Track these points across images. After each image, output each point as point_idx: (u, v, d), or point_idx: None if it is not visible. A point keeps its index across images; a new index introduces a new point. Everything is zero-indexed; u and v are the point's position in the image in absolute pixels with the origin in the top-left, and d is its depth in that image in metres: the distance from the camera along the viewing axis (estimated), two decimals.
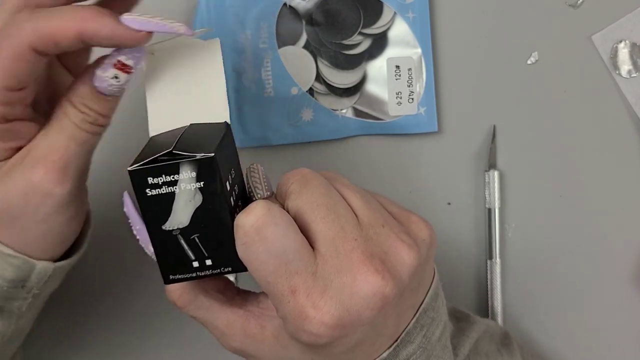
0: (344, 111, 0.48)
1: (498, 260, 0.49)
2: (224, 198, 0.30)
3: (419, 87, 0.48)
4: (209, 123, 0.33)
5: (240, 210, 0.31)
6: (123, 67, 0.32)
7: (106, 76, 0.32)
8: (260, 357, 0.34)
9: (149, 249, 0.32)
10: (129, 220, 0.33)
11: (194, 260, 0.31)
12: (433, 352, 0.34)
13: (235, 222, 0.30)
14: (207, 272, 0.32)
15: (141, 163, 0.30)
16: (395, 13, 0.48)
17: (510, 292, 0.50)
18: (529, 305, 0.50)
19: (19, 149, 0.33)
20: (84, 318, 0.50)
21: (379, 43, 0.48)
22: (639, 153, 0.50)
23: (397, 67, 0.48)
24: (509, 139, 0.50)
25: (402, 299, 0.32)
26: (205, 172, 0.29)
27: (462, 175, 0.50)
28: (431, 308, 0.34)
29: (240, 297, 0.36)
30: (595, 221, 0.50)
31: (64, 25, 0.30)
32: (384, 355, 0.32)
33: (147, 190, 0.30)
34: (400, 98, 0.48)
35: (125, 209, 0.33)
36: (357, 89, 0.48)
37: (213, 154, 0.29)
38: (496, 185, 0.49)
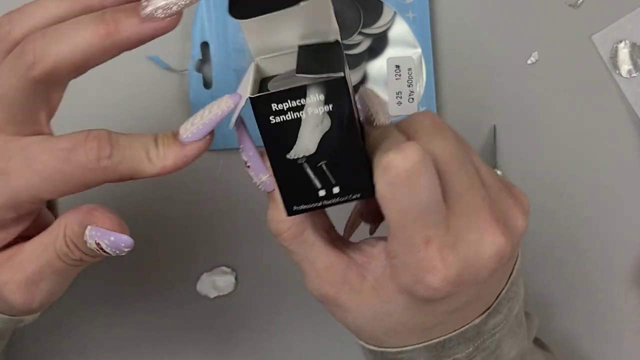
0: None
1: None
2: (355, 121, 0.28)
3: (419, 87, 0.48)
4: (319, 43, 0.30)
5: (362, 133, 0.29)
6: (99, 248, 0.31)
7: (90, 241, 0.31)
8: (350, 308, 0.33)
9: (260, 178, 0.30)
10: (241, 146, 0.31)
11: (320, 189, 0.29)
12: (512, 327, 0.35)
13: (385, 160, 0.28)
14: (334, 201, 0.30)
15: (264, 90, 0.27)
16: (395, 13, 0.48)
17: None
18: (529, 305, 0.50)
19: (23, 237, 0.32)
20: (86, 321, 0.50)
21: (379, 43, 0.48)
22: (639, 153, 0.50)
23: (397, 67, 0.48)
24: (509, 139, 0.50)
25: (507, 266, 0.32)
26: (335, 93, 0.27)
27: None
28: (516, 282, 0.34)
29: (342, 241, 0.34)
30: (595, 221, 0.50)
31: None
32: (476, 321, 0.32)
33: (271, 118, 0.28)
34: (401, 98, 0.48)
35: (236, 133, 0.30)
36: (357, 89, 0.48)
37: (343, 74, 0.27)
38: None
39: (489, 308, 0.33)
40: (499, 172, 0.49)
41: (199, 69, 0.48)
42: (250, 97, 0.28)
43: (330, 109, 0.27)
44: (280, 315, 0.50)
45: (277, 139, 0.28)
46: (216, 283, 0.49)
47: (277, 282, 0.50)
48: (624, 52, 0.49)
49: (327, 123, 0.28)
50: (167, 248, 0.49)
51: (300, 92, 0.27)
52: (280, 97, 0.27)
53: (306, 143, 0.28)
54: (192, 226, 0.49)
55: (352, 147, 0.28)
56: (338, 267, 0.32)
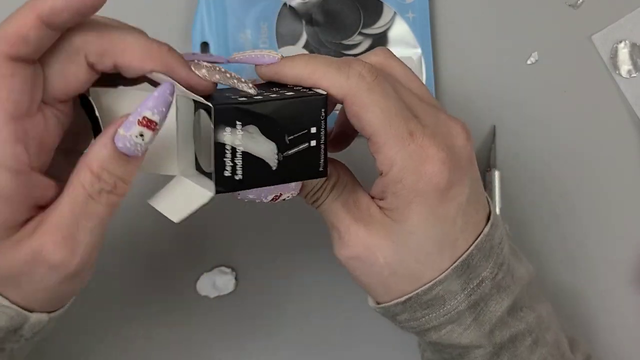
0: None
1: None
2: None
3: None
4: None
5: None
6: (149, 124, 0.30)
7: (130, 134, 0.30)
8: (380, 246, 0.35)
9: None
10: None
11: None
12: (511, 248, 0.38)
13: (340, 75, 0.33)
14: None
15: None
16: (395, 13, 0.48)
17: None
18: None
19: (35, 210, 0.32)
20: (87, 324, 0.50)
21: (379, 43, 0.48)
22: (639, 153, 0.50)
23: None
24: (509, 139, 0.50)
25: (477, 172, 0.36)
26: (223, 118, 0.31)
27: None
28: (495, 217, 0.37)
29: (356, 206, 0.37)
30: (595, 221, 0.50)
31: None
32: (485, 230, 0.35)
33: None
34: None
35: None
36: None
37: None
38: (497, 185, 0.49)
39: (488, 218, 0.36)
40: (496, 173, 0.49)
41: None
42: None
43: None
44: (280, 315, 0.50)
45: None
46: (216, 283, 0.49)
47: (277, 282, 0.50)
48: (623, 52, 0.49)
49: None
50: (167, 248, 0.49)
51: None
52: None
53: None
54: (192, 226, 0.49)
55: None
56: (364, 203, 0.35)
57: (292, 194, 0.35)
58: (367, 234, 0.34)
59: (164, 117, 0.30)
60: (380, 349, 0.51)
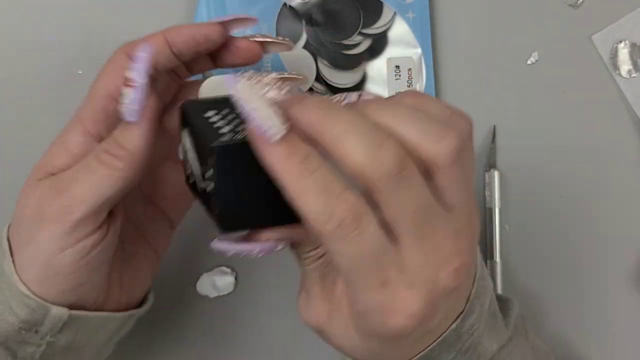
0: None
1: (499, 260, 0.49)
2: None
3: (419, 87, 0.48)
4: None
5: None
6: (126, 82, 0.32)
7: (122, 99, 0.32)
8: (337, 339, 0.33)
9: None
10: None
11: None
12: (487, 321, 0.35)
13: (323, 212, 0.27)
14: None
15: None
16: (395, 13, 0.48)
17: (510, 292, 0.50)
18: (528, 305, 0.50)
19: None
20: None
21: (379, 43, 0.48)
22: (639, 153, 0.50)
23: (397, 67, 0.48)
24: (509, 139, 0.50)
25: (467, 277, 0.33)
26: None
27: None
28: (482, 277, 0.34)
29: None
30: (595, 221, 0.50)
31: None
32: (453, 326, 0.32)
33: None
34: None
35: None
36: (357, 89, 0.48)
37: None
38: (496, 185, 0.49)
39: (462, 311, 0.33)
40: (495, 173, 0.49)
41: None
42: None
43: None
44: (280, 316, 0.50)
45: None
46: (216, 283, 0.49)
47: (277, 282, 0.50)
48: (623, 52, 0.49)
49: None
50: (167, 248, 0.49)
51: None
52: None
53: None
54: (192, 226, 0.49)
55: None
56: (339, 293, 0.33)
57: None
58: (328, 320, 0.33)
59: (140, 75, 0.32)
60: None
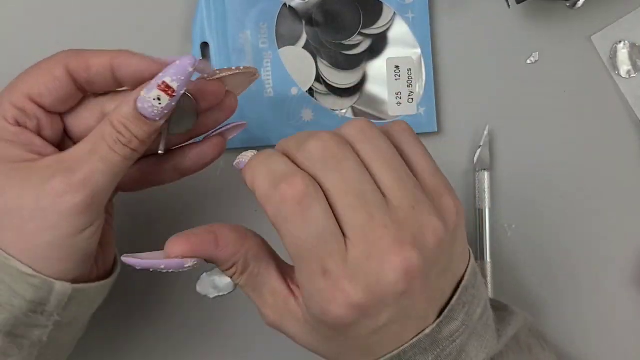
0: (343, 111, 0.48)
1: (489, 260, 0.48)
2: None
3: (419, 88, 0.48)
4: None
5: None
6: (166, 90, 0.33)
7: (149, 97, 0.33)
8: (295, 336, 0.35)
9: None
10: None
11: None
12: (475, 330, 0.34)
13: (268, 189, 0.31)
14: None
15: None
16: (395, 13, 0.48)
17: (510, 292, 0.50)
18: (528, 305, 0.50)
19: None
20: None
21: (379, 43, 0.48)
22: (639, 153, 0.50)
23: (397, 67, 0.48)
24: (508, 139, 0.50)
25: (431, 281, 0.32)
26: None
27: (462, 175, 0.50)
28: (471, 286, 0.34)
29: (288, 268, 0.36)
30: (595, 221, 0.50)
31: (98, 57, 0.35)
32: (427, 331, 0.33)
33: None
34: (400, 98, 0.48)
35: None
36: (357, 89, 0.48)
37: None
38: (486, 185, 0.48)
39: (439, 316, 0.33)
40: (487, 173, 0.49)
41: None
42: None
43: None
44: None
45: None
46: (216, 283, 0.49)
47: None
48: (623, 53, 0.49)
49: None
50: None
51: None
52: None
53: None
54: (192, 226, 0.49)
55: None
56: (280, 296, 0.34)
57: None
58: (279, 320, 0.35)
59: (182, 85, 0.33)
60: None
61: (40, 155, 0.34)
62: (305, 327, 0.34)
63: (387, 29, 0.48)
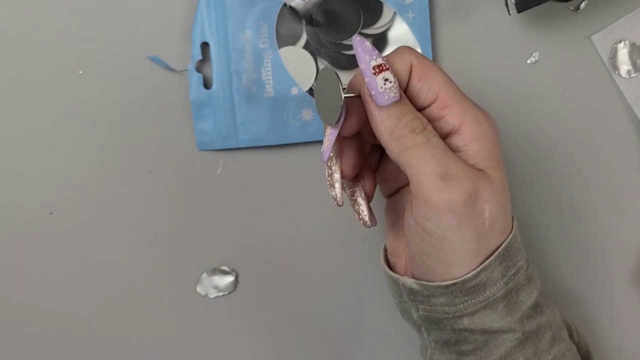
0: None
1: None
2: None
3: None
4: None
5: None
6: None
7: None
8: (479, 217, 0.35)
9: None
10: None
11: None
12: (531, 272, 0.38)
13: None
14: None
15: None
16: (395, 13, 0.48)
17: None
18: None
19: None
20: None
21: (379, 43, 0.48)
22: (639, 153, 0.50)
23: None
24: (509, 139, 0.50)
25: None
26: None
27: None
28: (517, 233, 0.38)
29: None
30: (595, 221, 0.50)
31: None
32: (514, 230, 0.36)
33: None
34: None
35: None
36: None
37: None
38: None
39: (511, 231, 0.36)
40: None
41: (199, 69, 0.48)
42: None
43: None
44: (280, 316, 0.50)
45: None
46: (216, 283, 0.49)
47: (277, 282, 0.50)
48: (623, 53, 0.49)
49: None
50: (167, 248, 0.49)
51: None
52: None
53: None
54: (192, 226, 0.49)
55: None
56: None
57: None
58: (473, 178, 0.34)
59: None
60: (380, 348, 0.51)
61: None
62: (485, 177, 0.35)
63: (387, 29, 0.48)
